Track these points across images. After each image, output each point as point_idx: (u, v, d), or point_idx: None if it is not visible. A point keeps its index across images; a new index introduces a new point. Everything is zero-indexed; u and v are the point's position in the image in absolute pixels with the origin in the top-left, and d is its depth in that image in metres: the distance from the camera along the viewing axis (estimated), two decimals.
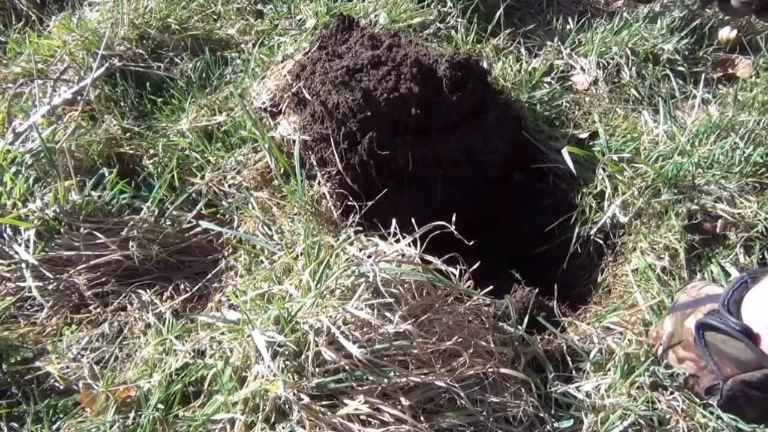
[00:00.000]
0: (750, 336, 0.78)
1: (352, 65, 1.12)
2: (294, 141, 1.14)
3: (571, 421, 0.86)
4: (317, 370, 0.78)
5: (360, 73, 1.11)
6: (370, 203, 1.06)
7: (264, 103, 1.26)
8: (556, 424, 0.85)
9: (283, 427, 0.77)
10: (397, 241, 0.91)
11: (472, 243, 0.90)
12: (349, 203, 1.10)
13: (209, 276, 1.08)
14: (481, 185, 1.24)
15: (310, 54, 1.23)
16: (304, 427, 0.76)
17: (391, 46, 1.16)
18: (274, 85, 1.27)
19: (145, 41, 1.49)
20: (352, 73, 1.11)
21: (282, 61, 1.37)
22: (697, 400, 0.88)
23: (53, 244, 1.04)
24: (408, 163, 1.11)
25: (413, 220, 0.92)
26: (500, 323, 0.94)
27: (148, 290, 1.06)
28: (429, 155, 1.13)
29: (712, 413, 0.85)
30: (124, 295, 1.05)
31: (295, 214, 1.10)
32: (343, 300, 0.83)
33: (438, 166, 1.15)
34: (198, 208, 1.15)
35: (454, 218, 0.89)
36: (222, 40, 1.55)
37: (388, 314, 0.81)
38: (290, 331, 0.80)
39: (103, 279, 1.06)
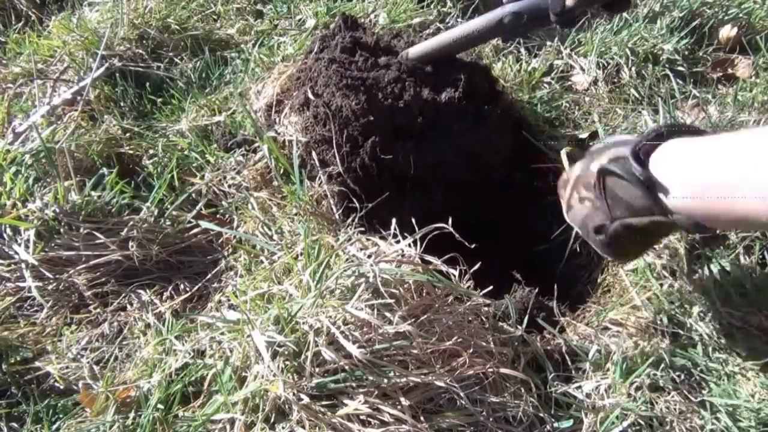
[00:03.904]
0: (650, 187, 0.77)
1: (356, 71, 1.11)
2: (294, 142, 1.14)
3: (571, 421, 0.86)
4: (317, 370, 0.78)
5: (366, 77, 1.11)
6: (371, 205, 1.06)
7: (265, 103, 1.26)
8: (556, 424, 0.85)
9: (283, 427, 0.77)
10: (398, 242, 0.91)
11: (473, 246, 0.90)
12: (350, 204, 1.10)
13: (209, 276, 1.08)
14: (482, 187, 1.24)
15: (312, 55, 1.22)
16: (303, 427, 0.76)
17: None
18: (275, 85, 1.27)
19: (144, 41, 1.49)
20: (356, 77, 1.10)
21: (282, 61, 1.37)
22: (695, 401, 0.88)
23: (53, 244, 1.04)
24: (410, 167, 1.11)
25: (413, 221, 0.92)
26: (500, 323, 0.94)
27: (147, 290, 1.06)
28: (431, 159, 1.13)
29: (712, 413, 0.85)
30: (123, 295, 1.05)
31: (295, 214, 1.10)
32: (343, 300, 0.83)
33: (439, 169, 1.15)
34: (198, 208, 1.15)
35: (451, 220, 0.89)
36: (222, 40, 1.55)
37: (387, 314, 0.81)
38: (290, 331, 0.80)
39: (103, 279, 1.06)
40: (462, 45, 1.09)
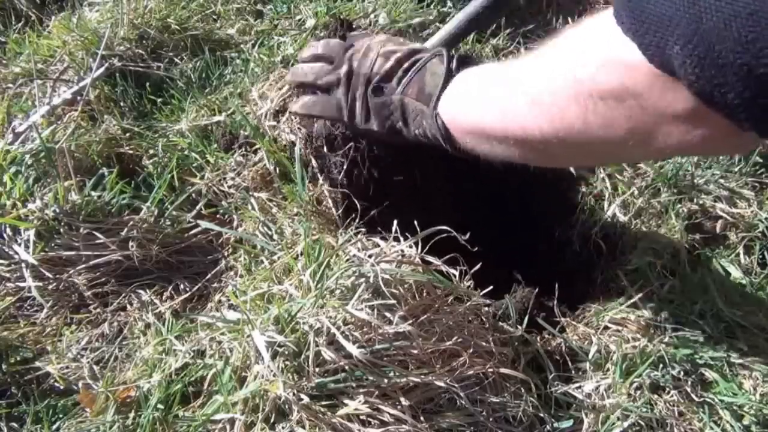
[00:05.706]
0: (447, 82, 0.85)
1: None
2: (297, 142, 1.14)
3: (571, 421, 0.86)
4: (317, 370, 0.78)
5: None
6: (373, 210, 1.06)
7: (267, 109, 1.25)
8: (556, 424, 0.85)
9: (283, 427, 0.77)
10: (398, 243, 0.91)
11: (475, 249, 0.90)
12: (351, 205, 1.10)
13: (209, 276, 1.08)
14: (483, 190, 1.24)
15: None
16: (303, 427, 0.76)
17: None
18: (276, 87, 1.27)
19: (144, 41, 1.49)
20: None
21: (281, 62, 1.36)
22: (696, 399, 0.88)
23: (53, 245, 1.04)
24: (415, 176, 1.11)
25: (415, 222, 0.92)
26: (500, 323, 0.94)
27: (147, 290, 1.06)
28: (431, 167, 1.13)
29: (713, 411, 0.85)
30: (123, 295, 1.05)
31: (296, 215, 1.09)
32: (343, 300, 0.83)
33: (441, 175, 1.15)
34: (198, 208, 1.15)
35: (453, 223, 0.88)
36: (222, 40, 1.55)
37: (388, 314, 0.81)
38: (290, 331, 0.80)
39: (103, 279, 1.06)
40: (458, 36, 1.14)
